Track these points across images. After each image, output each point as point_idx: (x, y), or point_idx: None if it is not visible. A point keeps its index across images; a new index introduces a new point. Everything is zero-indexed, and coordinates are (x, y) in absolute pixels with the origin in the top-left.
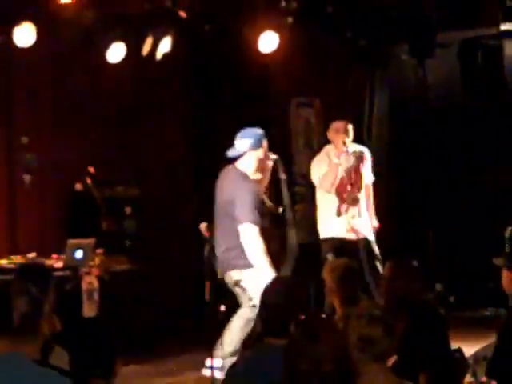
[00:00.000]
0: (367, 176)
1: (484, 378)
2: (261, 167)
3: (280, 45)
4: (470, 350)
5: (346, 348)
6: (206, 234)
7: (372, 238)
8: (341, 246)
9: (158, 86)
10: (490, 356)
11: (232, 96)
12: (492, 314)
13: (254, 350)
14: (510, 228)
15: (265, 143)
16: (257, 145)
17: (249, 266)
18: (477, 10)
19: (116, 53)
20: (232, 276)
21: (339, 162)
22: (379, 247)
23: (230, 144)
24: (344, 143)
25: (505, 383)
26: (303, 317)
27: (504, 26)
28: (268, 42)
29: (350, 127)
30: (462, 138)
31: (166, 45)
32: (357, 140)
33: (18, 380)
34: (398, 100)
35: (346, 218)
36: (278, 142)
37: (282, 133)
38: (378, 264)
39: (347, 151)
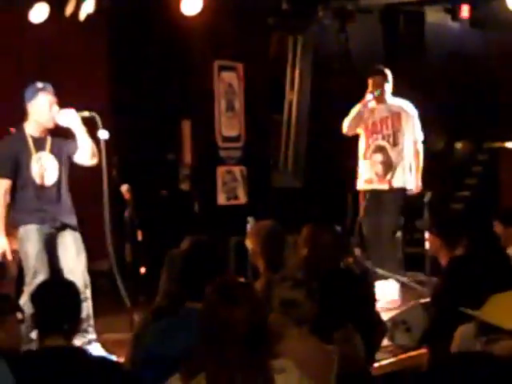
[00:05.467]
0: (410, 133)
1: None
2: None
3: (203, 7)
4: (387, 314)
5: (264, 312)
6: (126, 196)
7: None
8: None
9: (81, 47)
10: (408, 320)
11: (154, 58)
12: (410, 279)
13: (172, 314)
14: (429, 192)
15: None
16: None
17: None
18: None
19: (39, 13)
20: None
21: (361, 109)
22: (297, 210)
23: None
24: (371, 92)
25: (437, 351)
26: (221, 279)
27: None
28: (191, 4)
29: (381, 80)
30: None
31: (89, 5)
32: (278, 103)
33: None
34: (321, 64)
35: (370, 164)
36: (200, 104)
37: (205, 96)
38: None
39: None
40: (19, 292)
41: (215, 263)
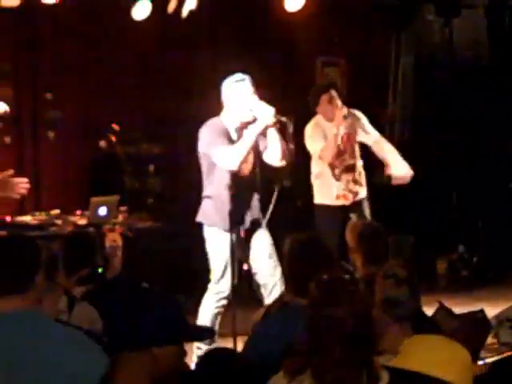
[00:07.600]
0: (368, 134)
1: None
2: None
3: (306, 3)
4: (492, 311)
5: (368, 309)
6: (230, 191)
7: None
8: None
9: (183, 44)
10: None
11: (258, 55)
12: None
13: (277, 310)
14: None
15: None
16: None
17: None
18: None
19: (141, 10)
20: None
21: (337, 132)
22: (401, 209)
23: None
24: (343, 114)
25: None
26: (324, 277)
27: None
28: (294, 0)
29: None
30: (488, 99)
31: (191, 2)
32: (382, 102)
33: (37, 339)
34: (424, 61)
35: (341, 185)
36: (302, 100)
37: (307, 92)
38: None
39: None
40: None
41: (319, 259)
